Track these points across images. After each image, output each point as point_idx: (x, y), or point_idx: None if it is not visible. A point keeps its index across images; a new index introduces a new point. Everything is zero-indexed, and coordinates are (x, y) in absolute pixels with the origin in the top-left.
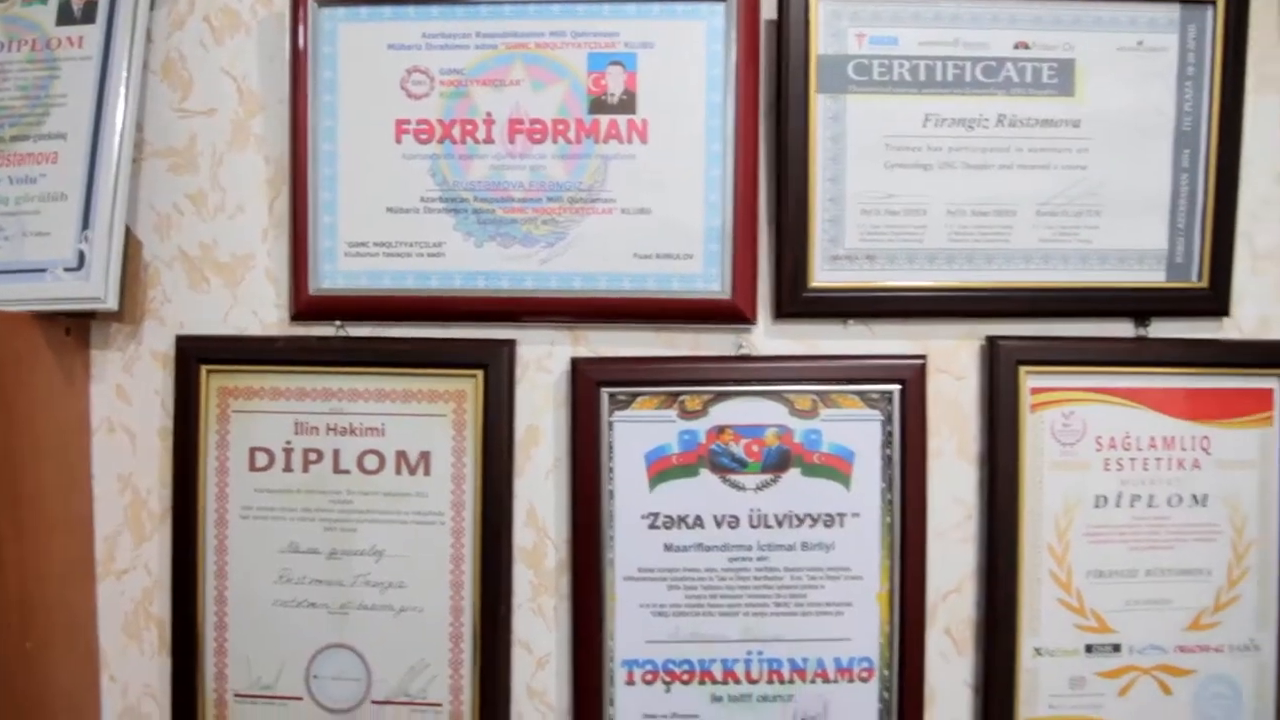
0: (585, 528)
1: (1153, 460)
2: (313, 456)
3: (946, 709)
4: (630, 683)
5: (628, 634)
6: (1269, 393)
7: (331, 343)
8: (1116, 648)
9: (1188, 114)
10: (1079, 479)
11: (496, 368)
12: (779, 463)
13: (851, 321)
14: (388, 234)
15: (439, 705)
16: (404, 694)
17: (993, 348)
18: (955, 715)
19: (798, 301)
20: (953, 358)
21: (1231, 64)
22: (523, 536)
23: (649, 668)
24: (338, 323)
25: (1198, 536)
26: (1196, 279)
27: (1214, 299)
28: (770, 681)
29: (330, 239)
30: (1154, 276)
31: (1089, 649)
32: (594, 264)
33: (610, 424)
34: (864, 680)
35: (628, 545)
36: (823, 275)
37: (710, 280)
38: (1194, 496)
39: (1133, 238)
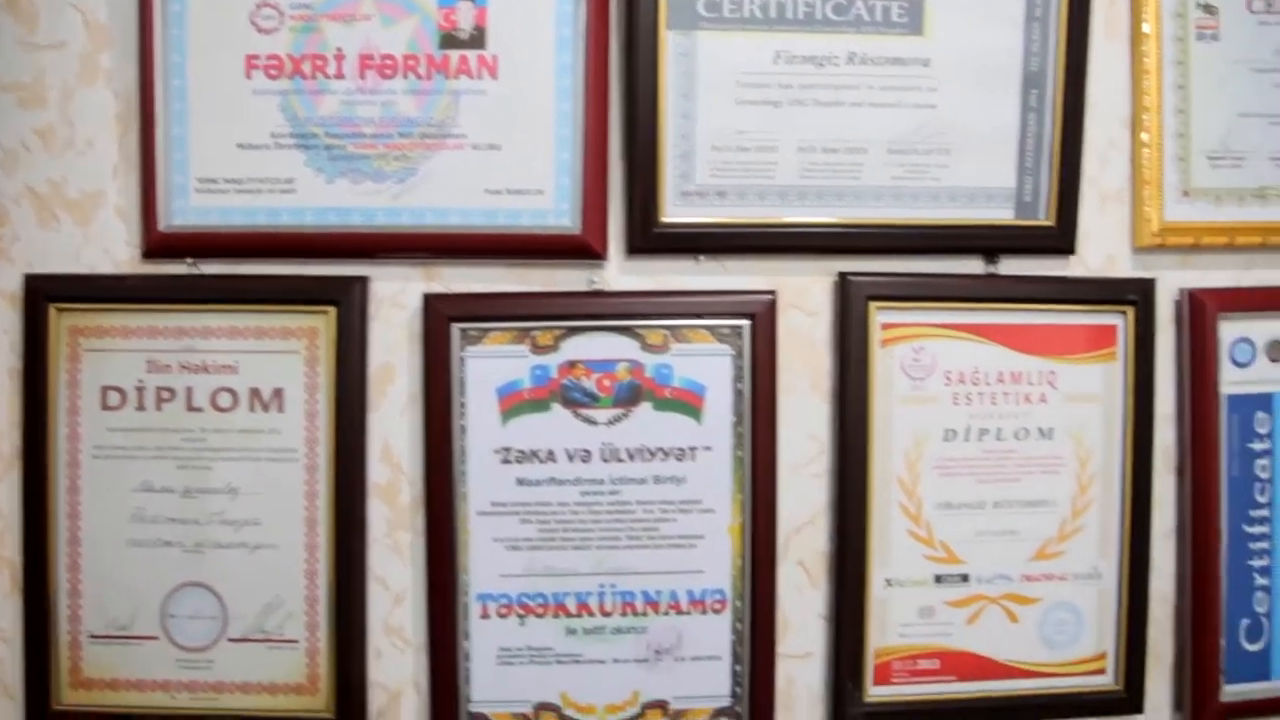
0: (438, 463)
1: (1000, 395)
2: (165, 395)
3: (800, 639)
4: (485, 617)
5: (482, 568)
6: (1113, 329)
7: (184, 280)
8: (965, 578)
9: (1035, 55)
10: (928, 413)
11: (349, 304)
12: (630, 397)
13: (703, 258)
14: (239, 170)
15: (295, 642)
16: (260, 631)
17: (844, 284)
18: (808, 646)
19: (649, 237)
20: (805, 294)
21: (1077, 8)
22: (377, 473)
23: (504, 602)
24: (190, 260)
25: (1043, 469)
26: (1044, 217)
27: (1061, 237)
28: (624, 614)
29: (181, 175)
30: (1003, 214)
31: (938, 579)
32: (446, 200)
33: (462, 359)
34: (717, 612)
35: (481, 480)
36: (674, 211)
37: (561, 215)
38: (1040, 430)
39: (982, 176)
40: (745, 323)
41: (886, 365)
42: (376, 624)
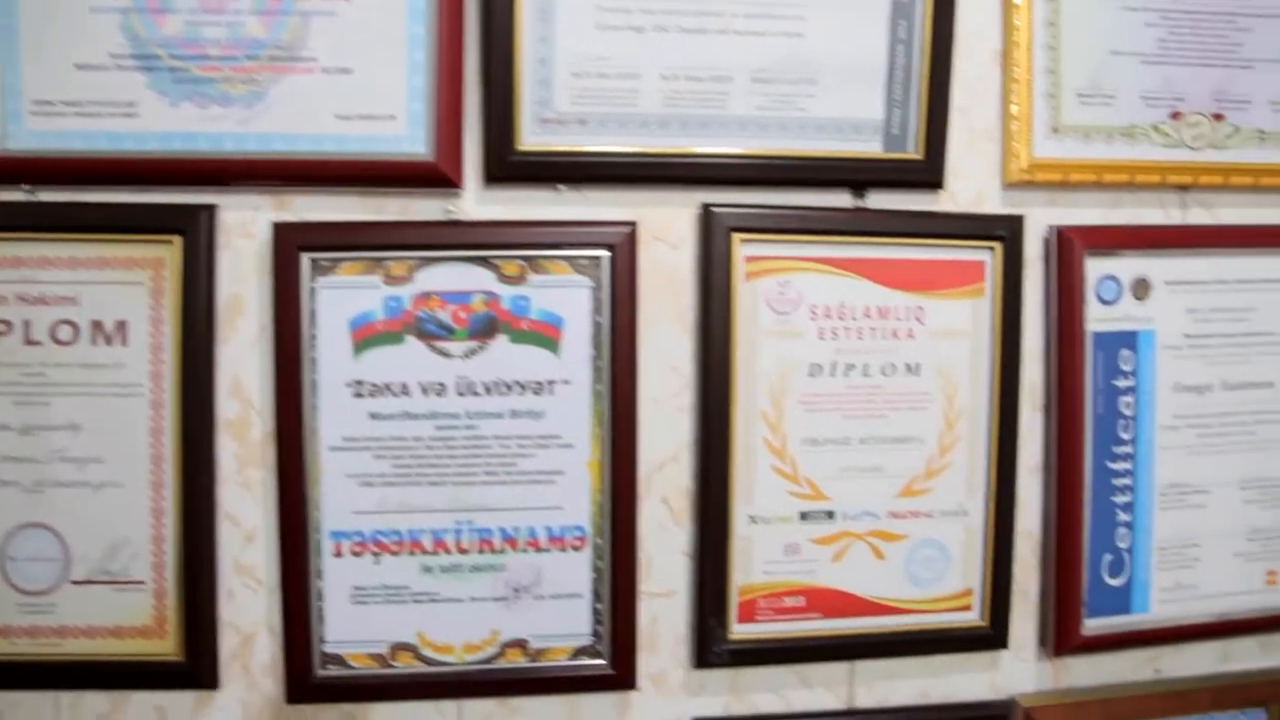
0: (288, 397)
1: (868, 330)
2: (1, 328)
3: (663, 577)
4: (338, 555)
5: (335, 505)
6: (981, 265)
7: (20, 208)
8: (830, 514)
9: None
10: (794, 347)
11: (195, 233)
12: (486, 329)
13: (564, 187)
14: (77, 93)
15: (142, 583)
16: (105, 573)
17: (707, 215)
18: (672, 583)
19: (506, 165)
20: (668, 226)
21: None
22: (227, 408)
23: (357, 539)
24: (26, 187)
25: (910, 405)
26: (912, 151)
27: (929, 171)
28: (481, 551)
29: (14, 98)
30: (870, 147)
31: (803, 516)
32: (296, 125)
33: (313, 290)
34: (576, 549)
35: (332, 415)
36: (532, 139)
37: (414, 142)
38: (907, 366)
39: (849, 108)
40: (605, 254)
41: (751, 299)
42: (227, 563)
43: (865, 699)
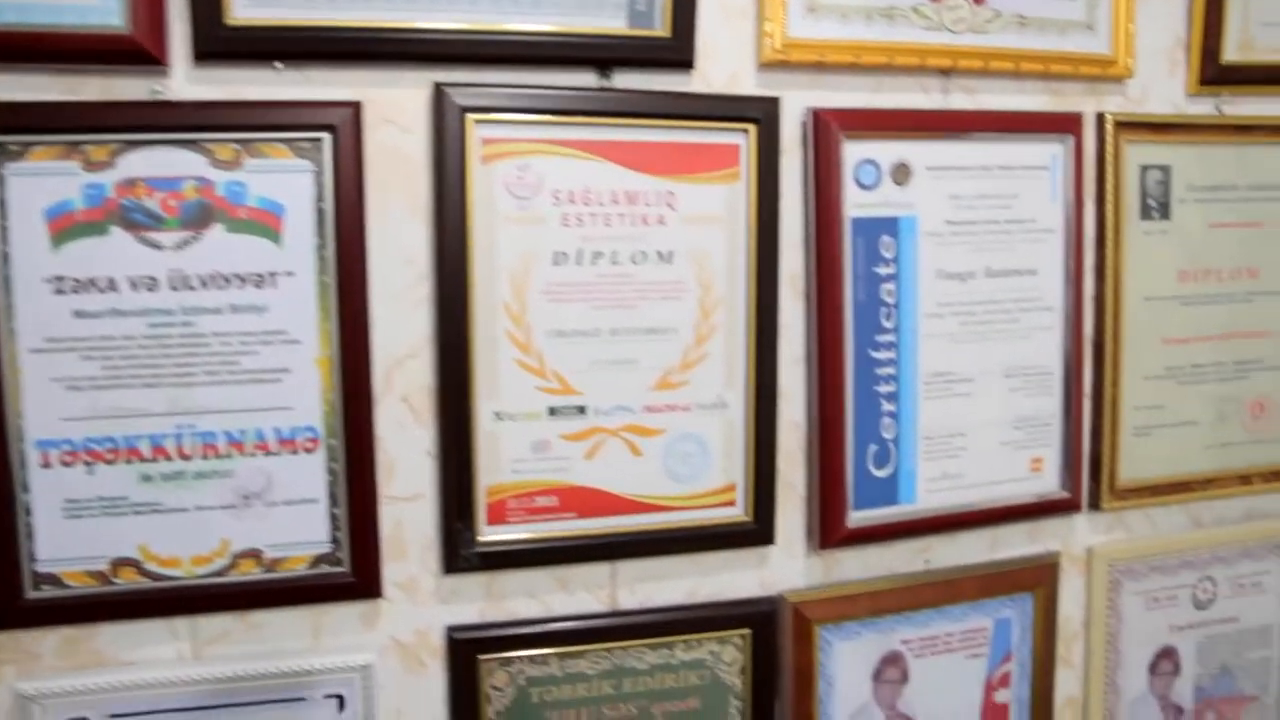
0: None
1: (615, 216)
2: None
3: (408, 480)
4: (47, 466)
5: (40, 412)
6: (736, 148)
7: None
8: (581, 409)
9: None
10: (536, 235)
11: None
12: (200, 218)
13: (281, 65)
14: None
15: None
16: None
17: (439, 95)
18: (417, 486)
19: (216, 40)
20: (399, 107)
21: None
22: None
23: (67, 448)
24: None
25: (663, 294)
26: (659, 28)
27: (678, 50)
28: (205, 457)
29: None
30: (614, 23)
31: (552, 411)
32: None
33: (2, 178)
34: (309, 451)
35: (31, 314)
36: (244, 10)
37: (108, 13)
38: (659, 253)
39: None
40: (326, 136)
41: (488, 183)
42: None
43: (629, 601)
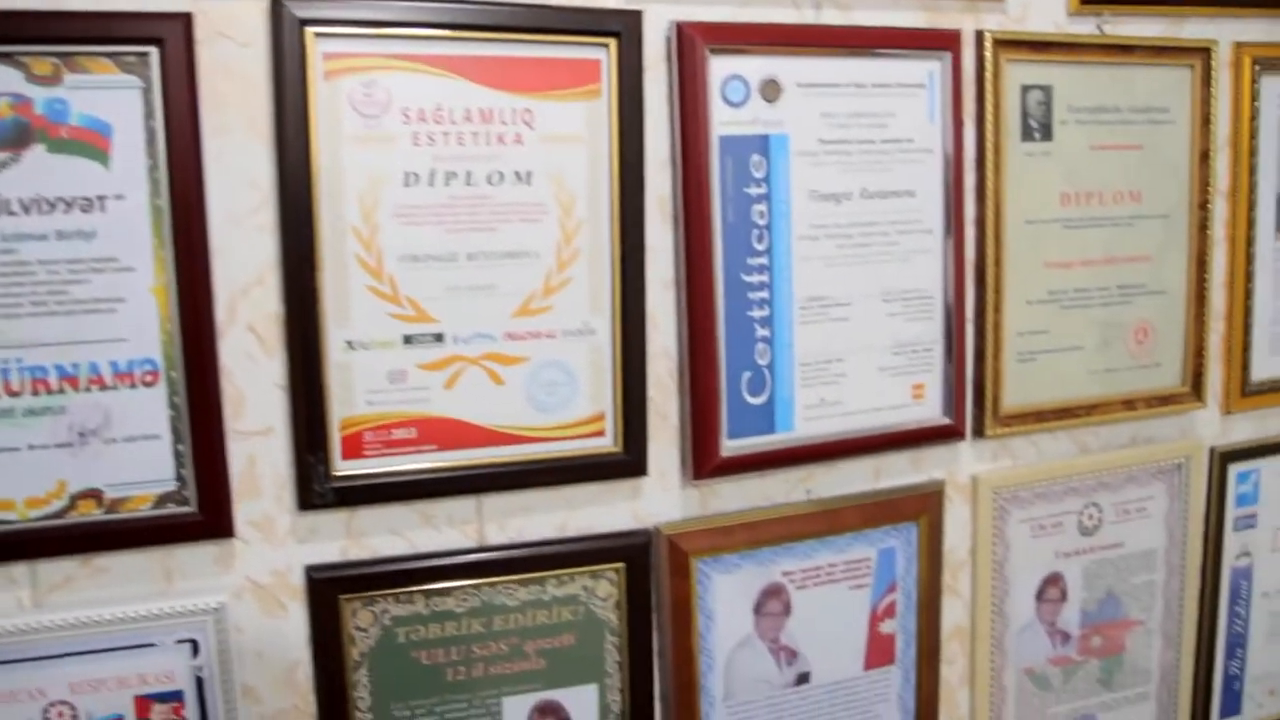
0: None
1: (469, 135)
2: None
3: (258, 414)
4: None
5: None
6: (596, 64)
7: None
8: (439, 337)
9: None
10: (385, 155)
11: None
12: (18, 139)
13: None
14: None
15: None
16: None
17: (276, 6)
18: (267, 420)
19: None
20: (235, 20)
21: None
22: None
23: None
24: None
25: (522, 217)
26: None
27: None
28: (36, 393)
29: None
30: None
31: (408, 340)
32: None
33: None
34: (148, 385)
35: None
36: None
37: None
38: (517, 174)
39: None
40: (154, 50)
41: (332, 101)
42: None
43: (497, 536)
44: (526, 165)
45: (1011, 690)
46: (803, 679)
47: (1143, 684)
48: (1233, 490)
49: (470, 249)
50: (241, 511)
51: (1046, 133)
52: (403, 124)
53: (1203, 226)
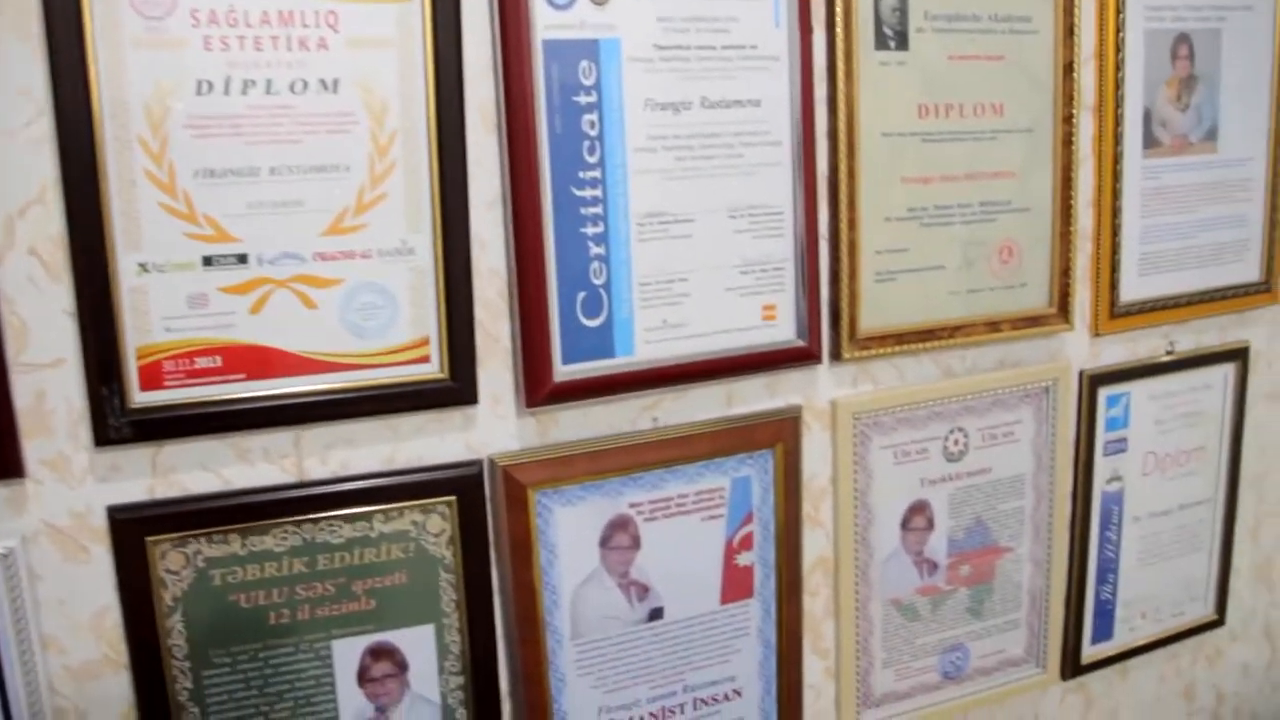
0: None
1: (268, 39)
2: None
3: (46, 344)
4: None
5: None
6: None
7: None
8: (242, 258)
9: None
10: (173, 60)
11: None
12: None
13: None
14: None
15: None
16: None
17: None
18: (57, 350)
19: None
20: None
21: None
22: None
23: None
24: None
25: (330, 127)
26: None
27: None
28: None
29: None
30: None
31: (208, 261)
32: None
33: None
34: None
35: None
36: None
37: None
38: (322, 82)
39: None
40: None
41: (108, 1)
42: None
43: (319, 470)
44: (332, 72)
45: (878, 621)
46: (655, 615)
47: (1013, 611)
48: (1102, 414)
49: (273, 163)
50: (32, 450)
51: (902, 41)
52: (192, 27)
53: (1067, 142)
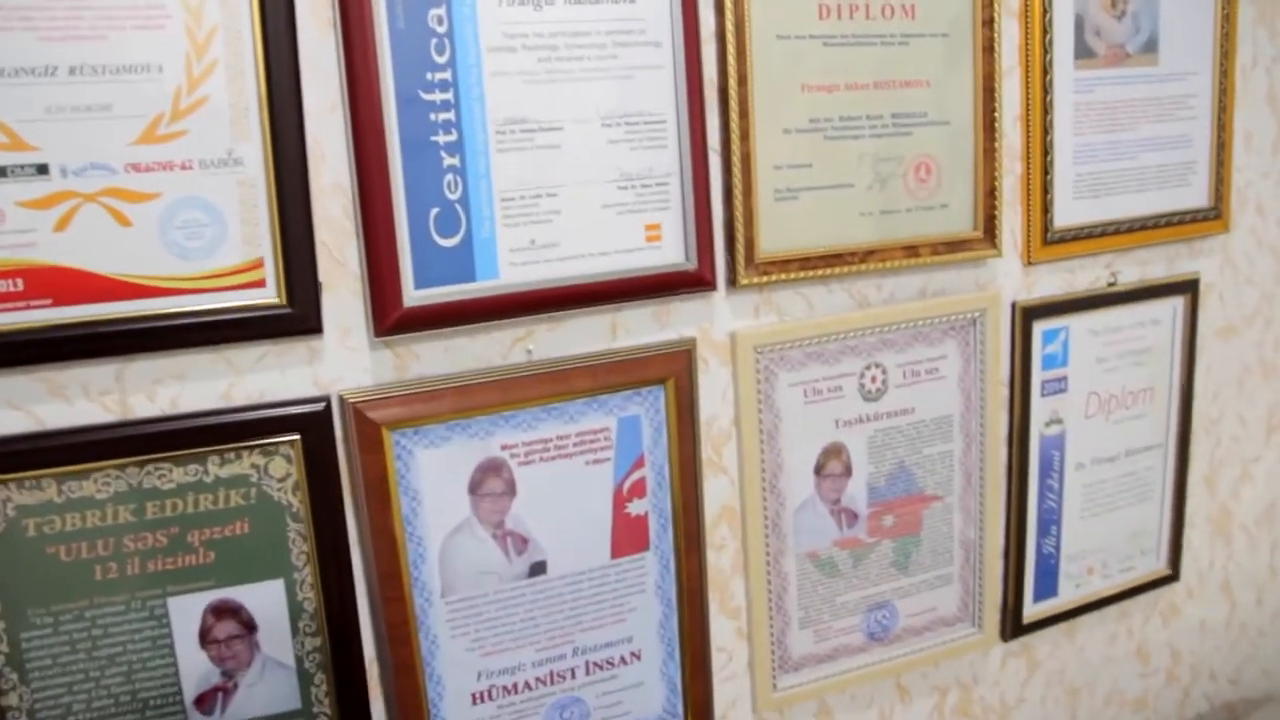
0: None
1: None
2: None
3: None
4: None
5: None
6: None
7: None
8: (43, 169)
9: None
10: None
11: None
12: None
13: None
14: None
15: None
16: None
17: None
18: None
19: None
20: None
21: None
22: None
23: None
24: None
25: (138, 22)
26: None
27: None
28: None
29: None
30: None
31: (2, 172)
32: None
33: None
34: None
35: None
36: None
37: None
38: None
39: None
40: None
41: None
42: None
43: (146, 408)
44: None
45: (793, 577)
46: (538, 569)
47: (944, 566)
48: (1039, 350)
49: (73, 61)
50: None
51: None
52: None
53: (989, 49)
